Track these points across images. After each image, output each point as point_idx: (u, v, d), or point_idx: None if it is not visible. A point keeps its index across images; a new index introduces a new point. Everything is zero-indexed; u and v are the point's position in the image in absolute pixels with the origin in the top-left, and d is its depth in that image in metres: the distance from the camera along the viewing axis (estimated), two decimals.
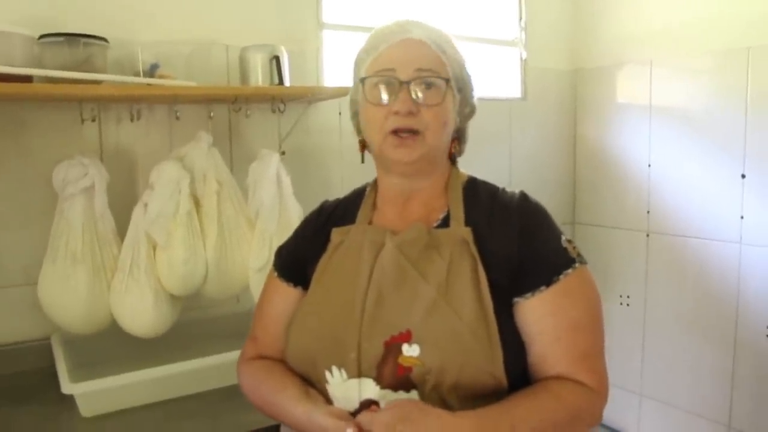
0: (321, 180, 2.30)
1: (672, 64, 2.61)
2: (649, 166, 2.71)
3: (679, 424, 2.67)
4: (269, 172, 1.85)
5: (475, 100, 1.24)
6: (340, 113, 2.33)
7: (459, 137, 1.25)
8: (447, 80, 1.15)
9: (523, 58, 2.90)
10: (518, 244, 1.11)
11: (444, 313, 1.05)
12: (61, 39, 1.67)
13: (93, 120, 1.85)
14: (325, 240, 1.23)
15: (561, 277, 1.09)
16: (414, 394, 1.04)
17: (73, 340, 1.79)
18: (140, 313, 1.71)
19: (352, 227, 1.22)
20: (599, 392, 1.07)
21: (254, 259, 1.84)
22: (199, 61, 2.05)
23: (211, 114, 2.00)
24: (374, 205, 1.27)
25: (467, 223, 1.14)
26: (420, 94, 1.12)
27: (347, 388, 1.08)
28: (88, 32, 1.71)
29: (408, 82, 1.12)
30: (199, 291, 1.82)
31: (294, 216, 1.89)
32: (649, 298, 2.75)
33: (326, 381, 1.10)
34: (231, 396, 1.65)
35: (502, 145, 2.74)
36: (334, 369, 1.09)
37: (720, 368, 2.50)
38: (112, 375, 1.55)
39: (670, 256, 2.66)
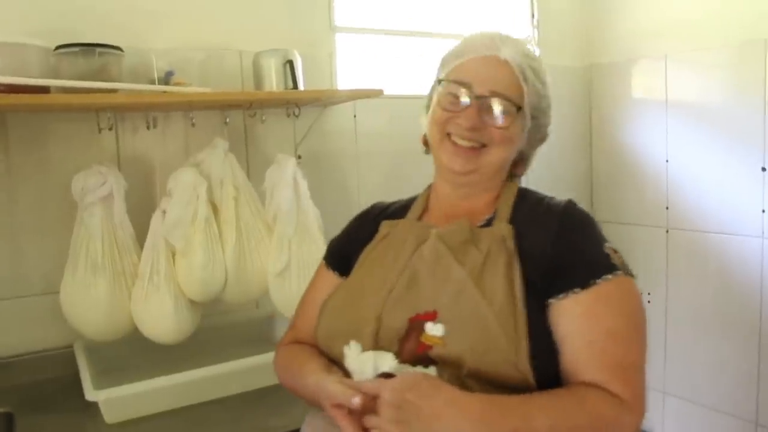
0: (337, 183, 2.31)
1: (687, 58, 2.59)
2: (667, 161, 2.69)
3: (703, 422, 2.64)
4: (286, 177, 1.86)
5: (549, 128, 1.27)
6: (354, 116, 2.33)
7: (524, 159, 1.29)
8: (519, 108, 1.15)
9: (537, 55, 2.89)
10: (554, 243, 1.09)
11: (473, 297, 1.05)
12: (76, 49, 1.68)
13: (110, 129, 1.86)
14: (373, 231, 1.26)
15: (599, 281, 1.05)
16: (432, 370, 1.03)
17: (96, 347, 1.79)
18: (161, 319, 1.72)
19: (401, 221, 1.26)
20: (632, 407, 0.99)
21: (273, 263, 1.84)
22: (213, 67, 2.06)
23: (227, 120, 2.01)
24: (426, 205, 1.30)
25: (510, 222, 1.15)
26: (488, 114, 1.14)
27: (363, 361, 1.07)
28: (102, 42, 1.72)
29: (479, 98, 1.14)
30: (218, 297, 1.82)
31: (312, 219, 1.89)
32: (670, 295, 2.73)
33: (344, 356, 1.10)
34: (252, 401, 1.65)
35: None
36: (352, 343, 1.10)
37: (745, 364, 2.47)
38: (135, 382, 1.56)
39: (691, 251, 2.63)
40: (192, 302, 1.78)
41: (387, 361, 1.05)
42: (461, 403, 0.94)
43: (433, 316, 1.06)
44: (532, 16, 2.88)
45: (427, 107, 1.27)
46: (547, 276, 1.07)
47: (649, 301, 2.79)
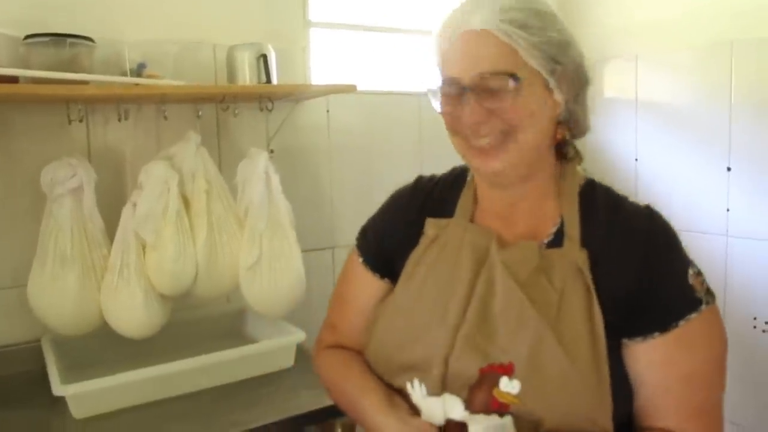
0: (310, 177, 2.30)
1: (657, 58, 2.63)
2: (636, 160, 2.73)
3: None
4: (258, 171, 1.85)
5: (584, 68, 1.06)
6: (327, 111, 2.32)
7: (569, 120, 1.07)
8: (514, 76, 0.96)
9: None
10: (637, 275, 0.97)
11: (554, 352, 0.94)
12: (46, 39, 1.66)
13: (80, 120, 1.84)
14: (419, 230, 1.13)
15: (681, 322, 0.95)
16: (508, 419, 0.94)
17: (64, 341, 1.78)
18: (131, 313, 1.70)
19: (451, 221, 1.11)
20: None
21: (244, 257, 1.83)
22: (186, 60, 2.04)
23: (199, 113, 1.99)
24: (475, 198, 1.14)
25: (583, 242, 1.01)
26: (489, 99, 0.98)
27: (431, 404, 1.01)
28: (74, 32, 1.70)
29: (473, 90, 0.98)
30: (189, 290, 1.81)
31: (283, 214, 1.89)
32: None
33: (407, 391, 1.05)
34: (223, 396, 1.65)
35: None
36: (416, 382, 1.02)
37: None
38: (104, 376, 1.54)
39: None
40: (162, 296, 1.76)
41: (457, 409, 0.99)
42: None
43: (509, 370, 0.95)
44: None
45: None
46: (624, 312, 0.97)
47: None
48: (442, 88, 1.03)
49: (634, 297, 0.96)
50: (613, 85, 2.82)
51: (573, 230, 1.02)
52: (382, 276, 1.19)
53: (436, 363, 0.99)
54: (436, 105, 1.06)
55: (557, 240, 1.04)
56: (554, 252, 1.01)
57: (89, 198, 1.71)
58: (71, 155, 1.71)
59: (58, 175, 1.67)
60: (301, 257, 1.89)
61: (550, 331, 0.94)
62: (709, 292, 0.99)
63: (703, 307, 0.97)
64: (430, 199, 1.17)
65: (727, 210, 2.42)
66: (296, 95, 2.14)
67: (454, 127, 1.04)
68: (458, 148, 1.06)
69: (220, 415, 1.56)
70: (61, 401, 1.52)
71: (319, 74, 2.36)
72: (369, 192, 2.32)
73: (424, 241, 1.11)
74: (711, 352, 0.98)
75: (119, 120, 1.88)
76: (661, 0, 2.59)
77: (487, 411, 0.95)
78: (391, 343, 1.08)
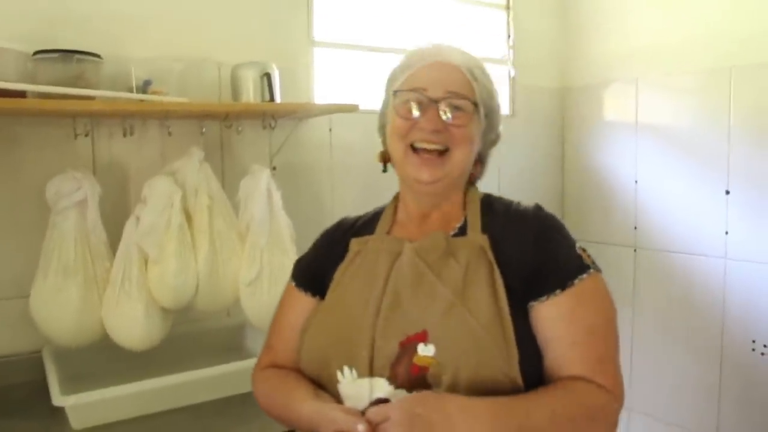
0: (311, 195, 2.33)
1: (657, 82, 2.66)
2: (636, 182, 2.75)
3: None
4: (260, 188, 1.87)
5: (500, 128, 1.30)
6: (330, 129, 2.35)
7: (481, 161, 1.30)
8: (475, 104, 1.19)
9: (512, 75, 2.94)
10: (533, 249, 1.13)
11: (460, 314, 1.07)
12: (55, 55, 1.70)
13: (86, 135, 1.87)
14: (343, 251, 1.26)
15: (576, 281, 1.10)
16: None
17: (65, 353, 1.79)
18: (131, 326, 1.72)
19: (371, 237, 1.26)
20: (616, 396, 1.08)
21: (245, 273, 1.85)
22: (191, 77, 2.07)
23: (203, 130, 2.02)
24: (394, 218, 1.31)
25: (483, 231, 1.17)
26: (448, 114, 1.16)
27: (358, 387, 1.09)
28: (82, 48, 1.74)
29: (438, 101, 1.16)
30: (190, 304, 1.83)
31: (284, 231, 1.91)
32: (636, 313, 2.78)
33: (338, 381, 1.12)
34: (222, 409, 1.66)
35: (491, 161, 2.74)
36: (345, 368, 1.11)
37: (706, 382, 2.52)
38: (103, 388, 1.55)
39: (657, 270, 2.69)
40: (163, 309, 1.78)
41: (382, 387, 1.07)
42: (471, 409, 0.98)
43: (423, 337, 1.06)
44: (508, 37, 2.94)
45: (381, 128, 1.31)
46: (527, 281, 1.11)
47: None
48: (403, 95, 1.20)
49: (533, 266, 1.12)
50: (614, 109, 2.85)
51: (475, 223, 1.19)
52: (313, 294, 1.29)
53: (364, 346, 1.10)
54: (397, 108, 1.21)
55: (461, 232, 1.20)
56: (459, 239, 1.17)
57: (93, 211, 1.73)
58: (76, 169, 1.74)
59: (63, 188, 1.70)
60: None
61: (458, 299, 1.08)
62: (594, 264, 1.15)
63: (592, 271, 1.13)
64: (353, 229, 1.32)
65: (726, 233, 2.43)
66: (299, 113, 2.17)
67: (405, 131, 1.19)
68: (397, 155, 1.22)
69: (218, 429, 1.57)
70: (60, 412, 1.53)
71: (322, 93, 2.39)
72: (370, 209, 2.33)
73: (348, 256, 1.25)
74: (605, 308, 1.14)
75: (124, 135, 1.91)
76: (662, 25, 2.62)
77: (410, 379, 1.05)
78: (321, 340, 1.18)
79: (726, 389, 2.47)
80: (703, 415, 2.54)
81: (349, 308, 1.17)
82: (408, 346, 1.07)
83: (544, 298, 1.10)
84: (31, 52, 1.70)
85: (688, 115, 2.55)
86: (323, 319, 1.20)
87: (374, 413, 0.99)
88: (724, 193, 2.43)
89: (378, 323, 1.11)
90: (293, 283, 1.34)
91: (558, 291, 1.10)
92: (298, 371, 1.22)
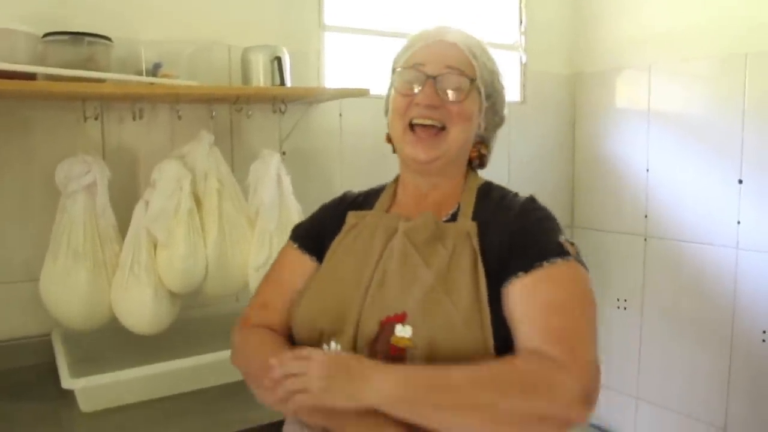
0: (321, 180, 2.32)
1: (670, 69, 2.63)
2: (647, 170, 2.73)
3: (675, 428, 2.68)
4: (270, 172, 1.87)
5: (505, 111, 1.29)
6: (340, 114, 2.34)
7: (485, 145, 1.30)
8: (473, 80, 1.19)
9: (523, 62, 2.92)
10: (512, 234, 1.13)
11: (439, 299, 1.08)
12: (65, 37, 1.69)
13: (96, 118, 1.87)
14: (343, 221, 1.28)
15: (545, 263, 1.07)
16: None
17: (74, 336, 1.79)
18: (140, 309, 1.72)
19: (369, 212, 1.28)
20: (569, 368, 0.98)
21: (254, 257, 1.85)
22: (201, 60, 2.07)
23: (213, 114, 2.01)
24: (394, 197, 1.32)
25: (474, 218, 1.18)
26: (446, 90, 1.17)
27: None
28: (92, 31, 1.73)
29: (435, 77, 1.17)
30: (198, 289, 1.83)
31: (294, 215, 1.90)
32: (646, 302, 2.76)
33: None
34: (230, 393, 1.66)
35: (500, 148, 2.73)
36: (333, 342, 1.13)
37: (716, 372, 2.51)
38: (112, 371, 1.56)
39: (668, 260, 2.67)
40: (172, 294, 1.78)
41: None
42: (387, 367, 1.01)
43: (402, 318, 1.08)
44: (520, 23, 2.91)
45: (386, 113, 1.30)
46: (501, 263, 1.10)
47: (625, 308, 2.82)
48: (403, 73, 1.21)
49: (508, 250, 1.11)
50: (626, 96, 2.82)
51: (467, 211, 1.20)
52: (313, 255, 1.30)
53: (349, 322, 1.12)
54: (396, 85, 1.23)
55: (453, 219, 1.21)
56: (449, 225, 1.19)
57: (102, 195, 1.73)
58: (86, 152, 1.73)
59: (72, 171, 1.70)
60: None
61: (438, 283, 1.09)
62: (578, 257, 1.12)
63: (571, 259, 1.09)
64: (355, 203, 1.34)
65: (738, 222, 2.42)
66: (310, 98, 2.16)
67: (404, 109, 1.20)
68: (397, 134, 1.23)
69: (226, 412, 1.57)
70: (69, 394, 1.53)
71: (333, 77, 2.38)
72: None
73: (345, 228, 1.27)
74: (572, 290, 1.08)
75: (134, 118, 1.90)
76: (675, 11, 2.59)
77: (387, 359, 1.06)
78: (315, 309, 1.19)
79: (736, 379, 2.46)
80: (713, 405, 2.53)
81: (342, 282, 1.19)
82: (387, 326, 1.09)
83: (513, 278, 1.08)
84: (41, 34, 1.69)
85: (701, 103, 2.53)
86: (317, 290, 1.22)
87: (298, 352, 1.05)
88: (736, 182, 2.41)
89: (366, 302, 1.13)
90: (295, 245, 1.33)
91: (521, 273, 1.08)
92: (286, 338, 1.24)
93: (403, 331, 1.07)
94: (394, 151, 1.31)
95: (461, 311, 1.06)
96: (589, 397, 0.98)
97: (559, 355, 0.99)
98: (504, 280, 1.09)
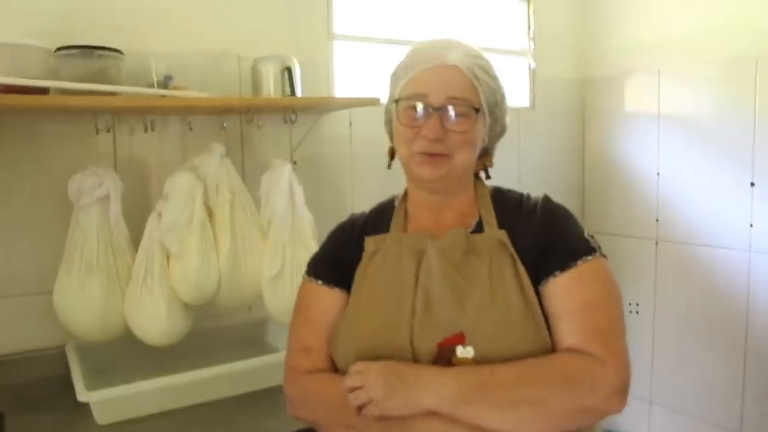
0: (332, 189, 2.32)
1: (680, 72, 2.62)
2: (658, 174, 2.72)
3: (688, 431, 2.67)
4: (281, 182, 1.87)
5: (507, 120, 1.29)
6: (350, 123, 2.35)
7: (487, 154, 1.31)
8: (477, 109, 1.18)
9: (532, 67, 2.92)
10: (543, 236, 1.17)
11: (492, 313, 1.10)
12: (76, 51, 1.70)
13: (107, 131, 1.88)
14: (360, 248, 1.26)
15: (579, 262, 1.13)
16: None
17: (88, 348, 1.80)
18: (154, 321, 1.73)
19: (388, 235, 1.26)
20: (605, 362, 1.06)
21: (267, 268, 1.85)
22: (211, 72, 2.07)
23: (224, 125, 2.02)
24: (406, 215, 1.31)
25: (500, 226, 1.20)
26: (449, 121, 1.16)
27: None
28: (103, 44, 1.74)
29: (438, 109, 1.16)
30: (212, 300, 1.83)
31: (306, 225, 1.90)
32: (658, 306, 2.75)
33: None
34: (244, 404, 1.67)
35: (510, 154, 2.75)
36: (462, 347, 1.12)
37: (730, 375, 2.50)
38: (126, 383, 1.56)
39: (680, 264, 2.66)
40: (185, 305, 1.78)
41: None
42: (439, 371, 1.07)
43: (461, 339, 1.10)
44: (529, 28, 2.91)
45: (388, 121, 1.29)
46: (535, 265, 1.15)
47: (637, 312, 2.81)
48: (402, 102, 1.20)
49: (541, 252, 1.15)
50: (636, 99, 2.82)
51: (491, 219, 1.22)
52: (339, 287, 1.28)
53: (402, 349, 1.12)
54: (399, 116, 1.21)
55: (478, 229, 1.22)
56: (477, 236, 1.20)
57: (115, 207, 1.73)
58: (98, 165, 1.74)
59: (85, 184, 1.70)
60: None
61: (486, 297, 1.11)
62: (600, 249, 1.18)
63: (598, 254, 1.16)
64: (365, 227, 1.32)
65: (751, 225, 2.40)
66: (320, 107, 2.16)
67: (410, 140, 1.19)
68: (403, 158, 1.23)
69: (241, 424, 1.58)
70: (85, 407, 1.54)
71: (343, 87, 2.38)
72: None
73: (365, 256, 1.25)
74: (605, 287, 1.15)
75: (145, 131, 1.91)
76: (684, 14, 2.59)
77: None
78: (359, 339, 1.18)
79: (750, 382, 2.44)
80: (727, 409, 2.52)
81: (382, 309, 1.18)
82: (446, 348, 1.10)
83: (550, 278, 1.13)
84: (54, 49, 1.70)
85: (712, 106, 2.52)
86: (355, 323, 1.20)
87: (355, 366, 1.11)
88: (749, 184, 2.40)
89: (415, 326, 1.13)
90: (318, 282, 1.30)
91: (557, 272, 1.13)
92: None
93: (465, 352, 1.09)
94: (389, 166, 1.32)
95: (515, 320, 1.10)
96: (626, 389, 1.07)
97: (598, 351, 1.07)
98: (540, 280, 1.14)
